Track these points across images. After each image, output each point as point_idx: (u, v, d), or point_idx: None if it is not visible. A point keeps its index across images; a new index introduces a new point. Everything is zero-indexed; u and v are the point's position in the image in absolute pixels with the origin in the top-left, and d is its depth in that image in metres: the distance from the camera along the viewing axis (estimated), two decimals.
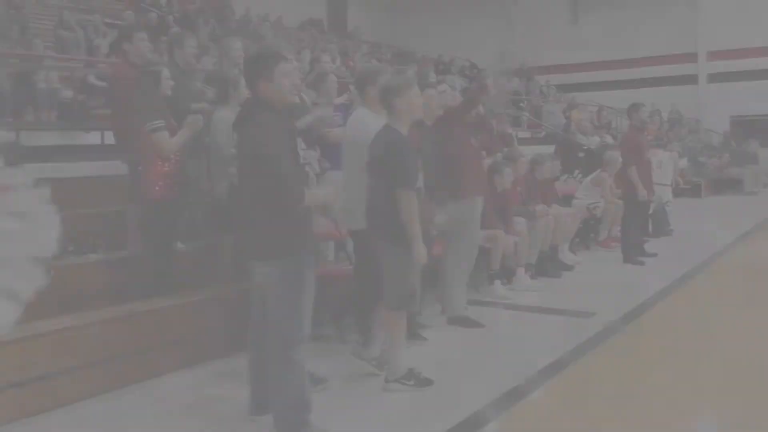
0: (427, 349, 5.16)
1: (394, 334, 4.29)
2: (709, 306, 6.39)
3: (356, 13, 28.23)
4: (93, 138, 8.49)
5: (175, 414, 4.01)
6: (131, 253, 5.48)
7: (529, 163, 7.96)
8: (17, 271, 1.70)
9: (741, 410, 3.82)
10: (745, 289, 6.83)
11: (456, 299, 5.78)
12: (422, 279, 5.46)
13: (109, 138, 6.83)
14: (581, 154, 12.90)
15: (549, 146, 14.46)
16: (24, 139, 8.06)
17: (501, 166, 6.84)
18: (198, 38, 12.38)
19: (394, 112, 4.16)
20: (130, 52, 5.76)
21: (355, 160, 4.56)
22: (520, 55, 27.02)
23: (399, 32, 29.36)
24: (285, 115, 3.42)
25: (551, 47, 27.00)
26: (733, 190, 17.89)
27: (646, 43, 25.31)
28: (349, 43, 22.11)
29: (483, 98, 5.98)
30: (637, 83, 24.66)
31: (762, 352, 4.84)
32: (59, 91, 8.99)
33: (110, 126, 6.26)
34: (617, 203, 9.06)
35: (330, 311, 5.34)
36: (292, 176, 3.26)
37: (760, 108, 24.04)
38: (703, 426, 3.72)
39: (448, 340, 5.41)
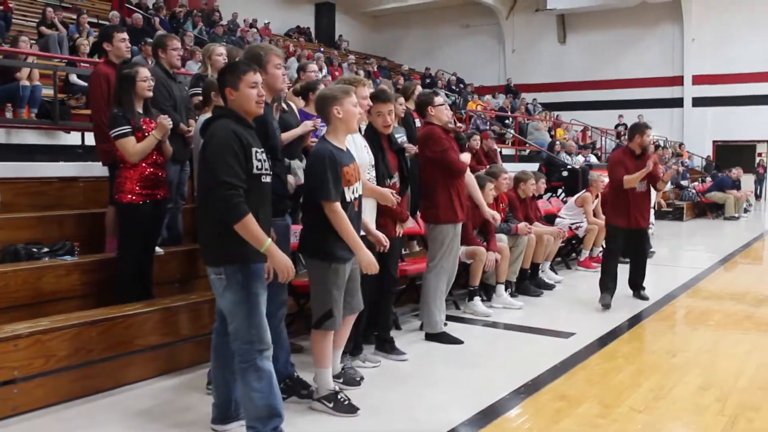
0: (405, 365, 5.16)
1: (317, 352, 4.18)
2: (688, 329, 6.44)
3: (344, 25, 28.31)
4: (74, 138, 8.44)
5: (144, 424, 3.97)
6: (108, 256, 5.43)
7: (512, 180, 8.00)
8: None
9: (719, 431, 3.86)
10: (724, 313, 6.90)
11: (435, 316, 5.78)
12: (399, 294, 5.43)
13: (90, 139, 6.79)
14: (565, 173, 13.04)
15: (534, 164, 14.60)
16: (3, 137, 8.01)
17: (483, 181, 6.87)
18: (183, 41, 12.43)
19: (329, 122, 4.12)
20: (110, 52, 5.74)
21: None
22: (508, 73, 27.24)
23: (386, 45, 29.51)
24: (247, 125, 3.49)
25: (539, 66, 27.25)
26: (715, 215, 18.09)
27: (633, 65, 25.63)
28: (335, 53, 22.15)
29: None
30: (623, 105, 24.93)
31: (739, 374, 4.89)
32: (40, 89, 8.92)
33: (91, 127, 6.22)
34: (599, 224, 9.15)
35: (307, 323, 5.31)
36: (229, 187, 3.28)
37: (742, 134, 24.39)
38: None
39: (426, 356, 5.41)
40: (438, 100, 5.75)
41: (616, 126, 23.30)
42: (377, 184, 4.76)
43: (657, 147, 20.61)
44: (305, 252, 4.18)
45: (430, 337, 5.80)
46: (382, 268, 5.07)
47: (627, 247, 7.38)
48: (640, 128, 7.15)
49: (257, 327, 3.44)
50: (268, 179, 3.55)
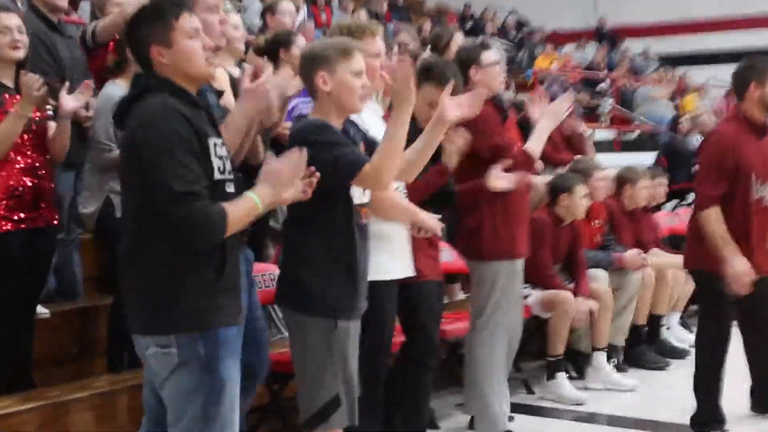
0: None
1: None
2: None
3: None
4: None
5: None
6: None
7: (613, 181, 7.98)
8: None
9: None
10: None
11: (492, 405, 5.72)
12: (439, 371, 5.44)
13: None
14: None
15: (647, 154, 14.55)
16: None
17: (568, 183, 6.85)
18: None
19: (317, 95, 4.18)
20: None
21: None
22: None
23: None
24: (193, 101, 3.47)
25: None
26: None
27: None
28: None
29: None
30: None
31: None
32: None
33: None
34: None
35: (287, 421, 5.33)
36: (193, 198, 3.23)
37: None
38: None
39: None
40: (488, 56, 5.76)
41: None
42: None
43: None
44: (290, 304, 4.17)
45: None
46: (414, 324, 5.12)
47: (744, 314, 6.11)
48: (757, 70, 5.98)
49: (220, 430, 3.42)
50: (233, 188, 3.49)
